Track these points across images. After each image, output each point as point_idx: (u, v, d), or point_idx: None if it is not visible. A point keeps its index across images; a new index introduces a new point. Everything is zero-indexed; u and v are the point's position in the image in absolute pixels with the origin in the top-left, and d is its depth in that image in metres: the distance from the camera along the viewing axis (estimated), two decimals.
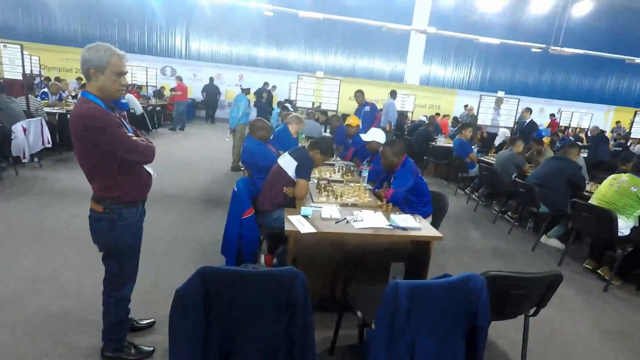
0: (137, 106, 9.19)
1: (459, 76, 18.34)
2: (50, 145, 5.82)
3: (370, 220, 2.57)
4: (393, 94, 8.73)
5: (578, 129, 12.14)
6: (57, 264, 3.08)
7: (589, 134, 11.34)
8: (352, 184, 3.51)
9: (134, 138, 1.89)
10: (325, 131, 7.44)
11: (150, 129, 9.72)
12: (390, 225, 2.52)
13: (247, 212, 2.92)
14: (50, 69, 14.26)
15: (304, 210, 2.60)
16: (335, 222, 2.51)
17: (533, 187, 4.14)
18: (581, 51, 12.32)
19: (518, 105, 7.40)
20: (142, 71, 10.63)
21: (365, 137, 3.84)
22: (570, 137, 10.96)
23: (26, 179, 5.20)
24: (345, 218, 2.56)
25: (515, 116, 7.49)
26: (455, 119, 10.88)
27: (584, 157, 5.45)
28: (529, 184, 4.27)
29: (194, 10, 15.61)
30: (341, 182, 3.57)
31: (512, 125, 7.55)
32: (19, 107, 5.50)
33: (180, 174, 6.19)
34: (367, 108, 6.53)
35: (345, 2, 15.09)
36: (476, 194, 6.05)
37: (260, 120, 3.78)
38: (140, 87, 11.56)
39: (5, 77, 5.97)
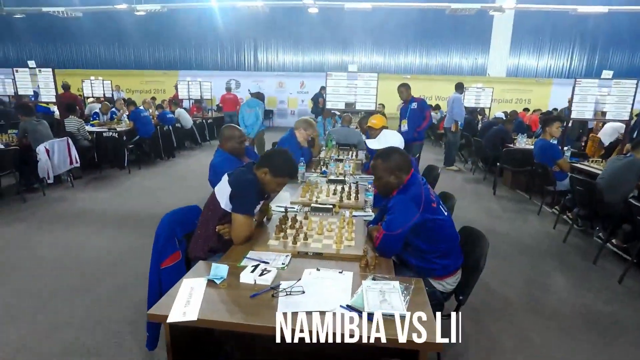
0: (186, 120, 9.14)
1: (557, 64, 15.37)
2: (78, 165, 5.75)
3: (316, 294, 1.48)
4: (459, 87, 7.20)
5: None
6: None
7: None
8: (343, 212, 2.42)
9: None
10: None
11: (199, 141, 9.61)
12: (344, 307, 1.39)
13: (169, 260, 2.04)
14: (133, 92, 15.66)
15: (215, 269, 1.61)
16: (251, 296, 1.47)
17: None
18: None
19: (637, 88, 5.33)
20: (196, 85, 10.68)
21: (372, 143, 2.71)
22: None
23: (49, 200, 5.10)
24: (276, 287, 1.51)
25: (633, 104, 5.41)
26: (548, 113, 8.72)
27: None
28: None
29: (260, 24, 15.83)
30: (329, 210, 2.47)
31: (627, 118, 5.48)
32: (46, 128, 5.48)
33: (188, 190, 5.66)
34: (414, 105, 5.21)
35: None
36: (569, 214, 4.34)
37: (230, 128, 2.89)
38: (199, 100, 11.74)
39: (42, 100, 6.11)
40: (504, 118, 7.09)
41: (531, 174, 5.31)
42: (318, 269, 1.67)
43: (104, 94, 10.80)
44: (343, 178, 3.33)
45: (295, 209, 2.52)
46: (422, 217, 1.80)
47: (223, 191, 1.97)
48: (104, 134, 6.52)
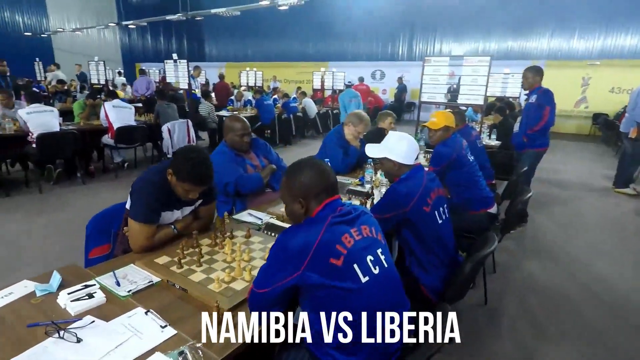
0: (311, 110, 9.34)
1: None
2: (194, 144, 6.54)
3: (86, 349, 1.08)
4: None
5: None
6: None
7: None
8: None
9: None
10: (479, 134, 5.05)
11: (321, 131, 9.69)
12: None
13: (97, 250, 1.95)
14: (289, 82, 17.15)
15: (53, 279, 1.38)
16: (28, 325, 1.17)
17: None
18: None
19: None
20: (329, 75, 10.82)
21: (370, 149, 1.97)
22: None
23: None
24: (65, 322, 1.18)
25: None
26: None
27: None
28: None
29: (420, 12, 15.04)
30: None
31: None
32: (174, 111, 6.39)
33: None
34: (533, 98, 3.71)
35: None
36: None
37: (231, 118, 2.55)
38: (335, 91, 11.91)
39: (181, 87, 7.13)
40: None
41: None
42: (147, 312, 1.24)
43: (255, 83, 12.11)
44: (369, 190, 2.64)
45: (260, 222, 2.08)
46: (306, 278, 1.12)
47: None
48: (224, 118, 7.20)
